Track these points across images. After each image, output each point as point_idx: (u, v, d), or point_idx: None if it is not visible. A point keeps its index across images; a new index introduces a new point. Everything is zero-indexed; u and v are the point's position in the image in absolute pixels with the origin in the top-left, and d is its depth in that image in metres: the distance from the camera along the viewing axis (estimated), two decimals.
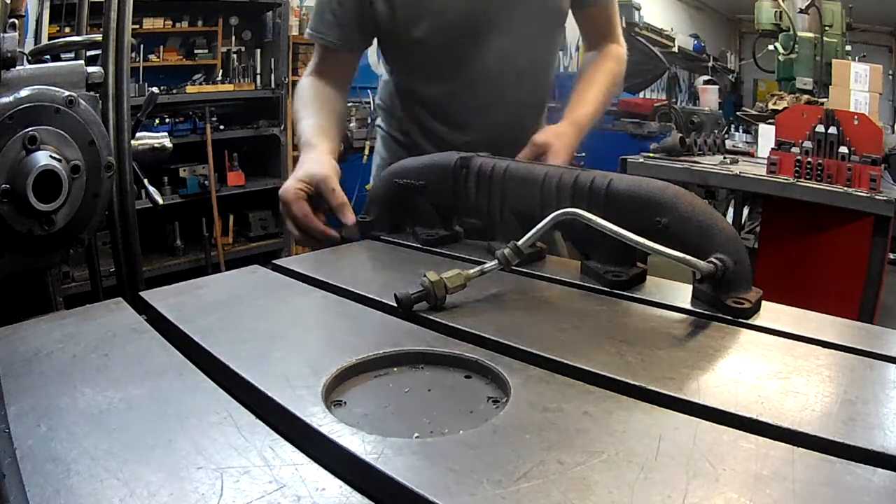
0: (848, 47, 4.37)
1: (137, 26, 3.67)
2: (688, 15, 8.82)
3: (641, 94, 6.36)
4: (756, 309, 0.78)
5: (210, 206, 4.07)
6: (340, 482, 0.46)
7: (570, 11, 1.50)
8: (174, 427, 0.52)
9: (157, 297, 0.81)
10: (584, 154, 4.42)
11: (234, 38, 4.29)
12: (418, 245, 1.09)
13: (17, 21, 1.14)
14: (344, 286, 0.86)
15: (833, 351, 0.67)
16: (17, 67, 0.98)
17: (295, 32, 4.37)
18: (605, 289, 0.87)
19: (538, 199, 0.96)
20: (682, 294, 0.84)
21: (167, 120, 3.88)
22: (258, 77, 4.36)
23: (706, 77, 7.26)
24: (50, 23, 3.28)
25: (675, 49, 7.37)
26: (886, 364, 0.64)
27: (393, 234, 1.15)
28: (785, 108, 3.80)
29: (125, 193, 1.26)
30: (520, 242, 0.82)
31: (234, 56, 4.26)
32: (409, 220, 1.15)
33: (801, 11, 4.22)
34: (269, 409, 0.56)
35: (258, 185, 4.33)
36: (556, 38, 1.55)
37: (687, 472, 0.46)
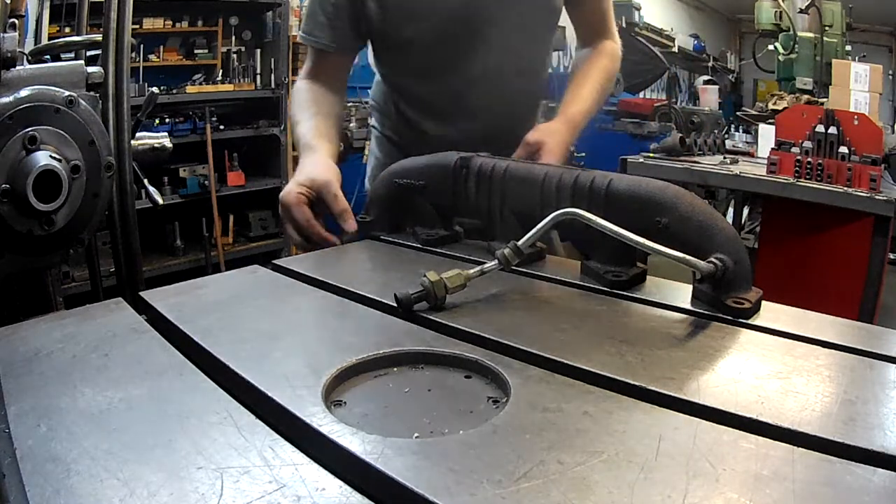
0: (848, 47, 4.36)
1: (137, 26, 3.67)
2: (688, 15, 8.82)
3: (641, 94, 6.36)
4: (756, 309, 0.78)
5: (210, 206, 4.07)
6: (340, 482, 0.46)
7: (563, 8, 1.50)
8: (174, 427, 0.52)
9: (157, 297, 0.81)
10: (584, 154, 4.43)
11: (234, 38, 4.29)
12: (418, 245, 1.09)
13: (17, 21, 1.14)
14: (344, 286, 0.86)
15: (833, 351, 0.67)
16: (17, 67, 0.98)
17: (295, 32, 4.36)
18: (605, 289, 0.87)
19: (538, 199, 0.96)
20: (682, 294, 0.84)
21: (167, 120, 3.88)
22: (258, 77, 4.36)
23: (706, 77, 7.26)
24: (50, 23, 3.28)
25: (675, 49, 7.37)
26: (886, 364, 0.64)
27: (393, 234, 1.15)
28: (785, 108, 3.80)
29: (125, 193, 1.26)
30: (520, 242, 0.82)
31: (234, 56, 4.26)
32: (409, 220, 1.15)
33: (801, 11, 4.22)
34: (269, 409, 0.56)
35: (258, 185, 4.33)
36: (550, 35, 1.54)
37: (687, 472, 0.46)
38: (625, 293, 0.85)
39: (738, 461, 0.47)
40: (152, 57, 3.99)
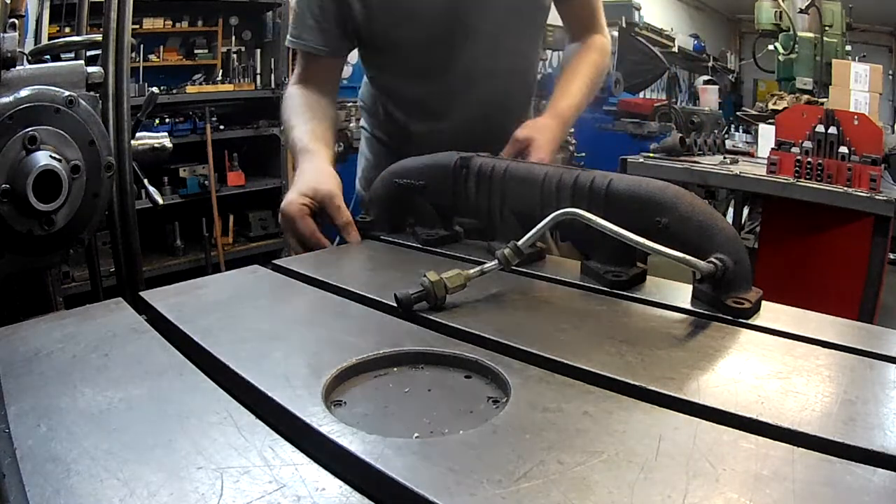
0: (848, 47, 4.37)
1: (137, 26, 3.67)
2: (688, 15, 8.82)
3: (641, 94, 6.36)
4: (756, 309, 0.78)
5: (210, 206, 4.07)
6: (340, 482, 0.46)
7: (552, 5, 1.49)
8: (174, 427, 0.52)
9: (157, 297, 0.81)
10: (584, 154, 4.43)
11: (234, 38, 4.29)
12: (418, 245, 1.09)
13: (17, 21, 1.14)
14: (344, 286, 0.86)
15: (833, 351, 0.67)
16: (17, 67, 0.98)
17: None
18: (605, 289, 0.87)
19: (538, 199, 0.96)
20: (682, 294, 0.84)
21: (167, 120, 3.88)
22: (258, 77, 4.36)
23: (706, 77, 7.26)
24: (50, 23, 3.28)
25: (675, 49, 7.37)
26: (886, 364, 0.64)
27: (393, 234, 1.15)
28: (785, 108, 3.80)
29: (125, 193, 1.26)
30: (520, 242, 0.83)
31: (234, 56, 4.26)
32: (409, 220, 1.15)
33: (801, 11, 4.22)
34: (269, 409, 0.56)
35: (258, 185, 4.33)
36: (538, 32, 1.53)
37: (687, 472, 0.46)
38: (625, 293, 0.85)
39: (738, 461, 0.47)
40: (152, 57, 3.99)
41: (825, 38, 4.14)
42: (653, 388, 0.59)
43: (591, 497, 0.43)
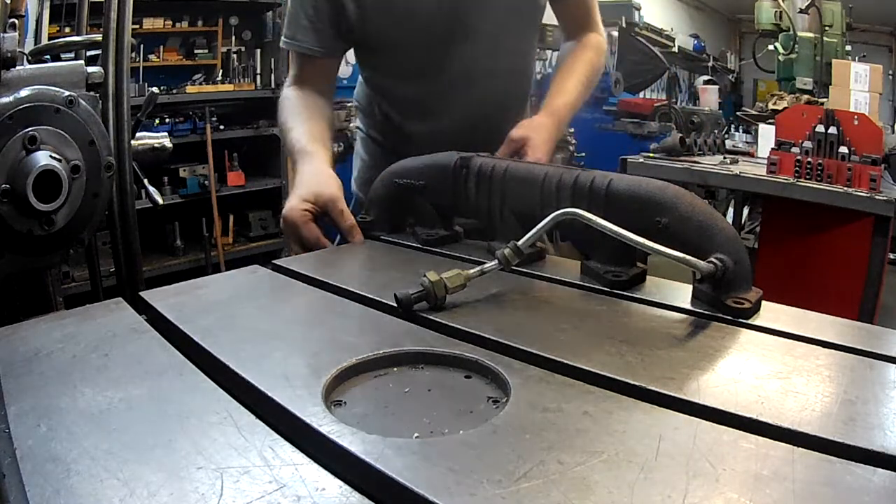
0: (848, 47, 4.37)
1: (137, 26, 3.67)
2: (688, 15, 8.82)
3: (641, 94, 6.36)
4: (756, 309, 0.78)
5: (210, 206, 4.07)
6: (340, 482, 0.46)
7: (547, 3, 1.48)
8: (174, 427, 0.52)
9: (157, 297, 0.81)
10: (584, 154, 4.43)
11: (234, 38, 4.29)
12: (418, 245, 1.09)
13: (17, 21, 1.15)
14: (344, 286, 0.86)
15: (833, 351, 0.67)
16: (17, 67, 0.98)
17: None
18: (605, 289, 0.87)
19: (538, 199, 0.96)
20: (682, 294, 0.84)
21: (167, 120, 3.88)
22: (258, 77, 4.36)
23: (706, 77, 7.26)
24: (50, 23, 3.28)
25: (675, 49, 7.37)
26: (886, 364, 0.64)
27: (393, 234, 1.15)
28: (785, 108, 3.80)
29: (125, 193, 1.26)
30: (520, 242, 0.83)
31: (234, 56, 4.26)
32: (409, 220, 1.15)
33: (801, 11, 4.22)
34: (269, 409, 0.56)
35: (258, 185, 4.33)
36: (534, 32, 1.52)
37: (687, 472, 0.46)
38: (625, 293, 0.85)
39: (738, 461, 0.47)
40: (152, 57, 3.98)
41: (825, 38, 4.14)
42: (653, 388, 0.59)
43: (591, 497, 0.43)
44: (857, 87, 3.50)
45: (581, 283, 0.90)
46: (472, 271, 0.80)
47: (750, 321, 0.75)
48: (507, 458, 0.47)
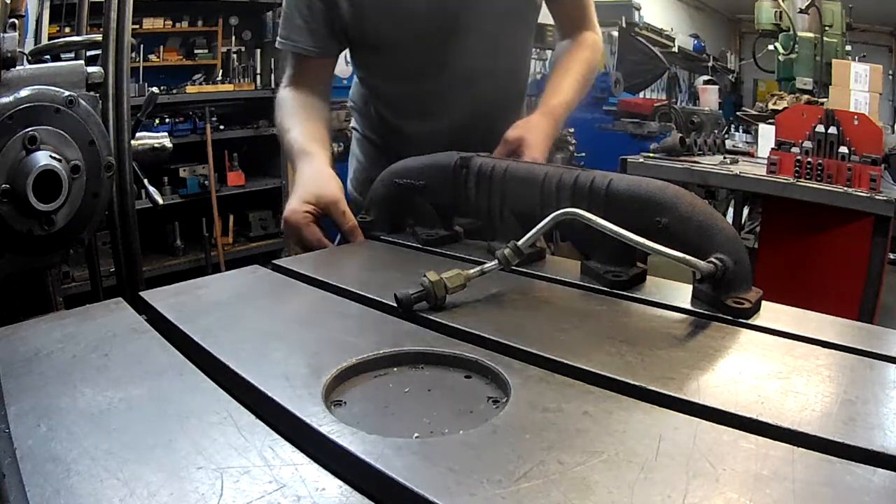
0: (848, 47, 4.37)
1: (137, 26, 3.67)
2: (688, 15, 8.82)
3: (641, 94, 6.36)
4: (756, 309, 0.78)
5: (210, 206, 4.07)
6: (340, 482, 0.46)
7: (543, 2, 1.48)
8: (174, 427, 0.52)
9: (157, 297, 0.81)
10: (584, 154, 4.43)
11: (234, 38, 4.29)
12: (418, 245, 1.09)
13: (17, 21, 1.14)
14: (344, 286, 0.86)
15: (833, 351, 0.67)
16: (17, 67, 0.98)
17: None
18: (605, 289, 0.87)
19: (538, 199, 0.96)
20: (682, 294, 0.84)
21: (167, 120, 3.88)
22: (258, 77, 4.36)
23: (706, 77, 7.27)
24: (50, 23, 3.28)
25: (675, 49, 7.37)
26: (886, 364, 0.64)
27: (393, 234, 1.15)
28: (785, 108, 3.80)
29: (125, 193, 1.26)
30: (520, 242, 0.83)
31: (234, 56, 4.26)
32: (409, 220, 1.15)
33: (801, 11, 4.23)
34: (269, 409, 0.56)
35: (258, 185, 4.33)
36: (530, 31, 1.52)
37: (687, 472, 0.46)
38: (625, 293, 0.85)
39: (738, 461, 0.47)
40: (152, 57, 3.98)
41: (825, 38, 4.14)
42: (653, 388, 0.59)
43: (591, 497, 0.43)
44: (857, 87, 3.50)
45: (581, 283, 0.90)
46: (472, 271, 0.80)
47: (750, 321, 0.75)
48: (507, 458, 0.47)
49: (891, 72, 7.24)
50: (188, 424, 0.53)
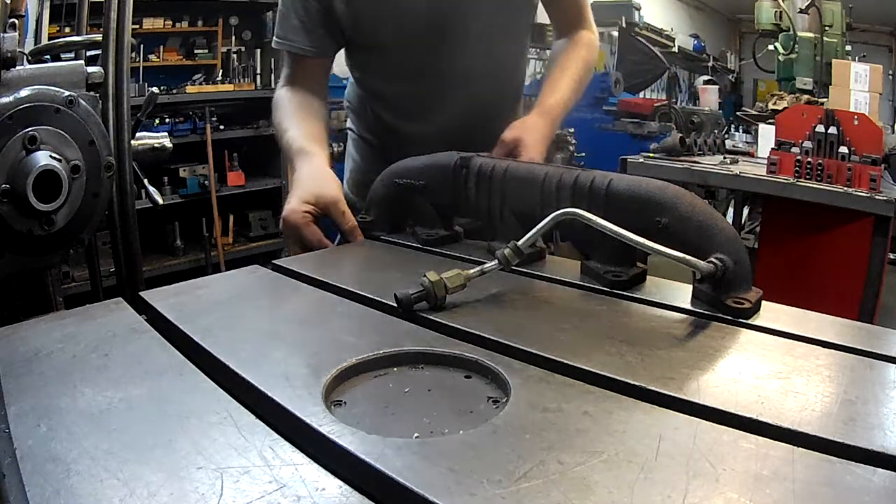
0: (848, 47, 4.37)
1: (137, 26, 3.67)
2: (688, 15, 8.82)
3: (641, 94, 6.36)
4: (756, 309, 0.78)
5: (210, 206, 4.07)
6: (340, 482, 0.46)
7: (539, 1, 1.48)
8: (174, 427, 0.52)
9: (157, 297, 0.81)
10: (584, 154, 4.43)
11: (234, 38, 4.29)
12: (418, 245, 1.09)
13: (17, 21, 1.14)
14: (344, 286, 0.86)
15: (833, 351, 0.67)
16: (17, 67, 0.98)
17: None
18: (605, 289, 0.87)
19: (538, 199, 0.96)
20: (682, 294, 0.84)
21: (167, 120, 3.88)
22: (258, 77, 4.36)
23: (706, 77, 7.27)
24: (50, 23, 3.28)
25: (675, 49, 7.38)
26: (886, 364, 0.64)
27: (393, 234, 1.15)
28: (785, 108, 3.80)
29: (125, 193, 1.26)
30: (520, 242, 0.82)
31: (234, 56, 4.26)
32: (409, 220, 1.15)
33: (801, 11, 4.23)
34: (269, 409, 0.56)
35: (258, 185, 4.33)
36: (526, 31, 1.52)
37: (687, 472, 0.46)
38: (625, 293, 0.85)
39: (738, 461, 0.47)
40: (152, 57, 3.99)
41: (825, 38, 4.14)
42: (653, 388, 0.59)
43: (591, 497, 0.43)
44: (857, 87, 3.50)
45: (581, 283, 0.90)
46: (472, 271, 0.80)
47: (750, 321, 0.75)
48: (507, 458, 0.47)
49: (891, 72, 7.24)
50: (188, 424, 0.53)
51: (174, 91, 3.93)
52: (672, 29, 7.59)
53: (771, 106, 4.24)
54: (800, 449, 0.49)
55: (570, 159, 4.34)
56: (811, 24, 4.21)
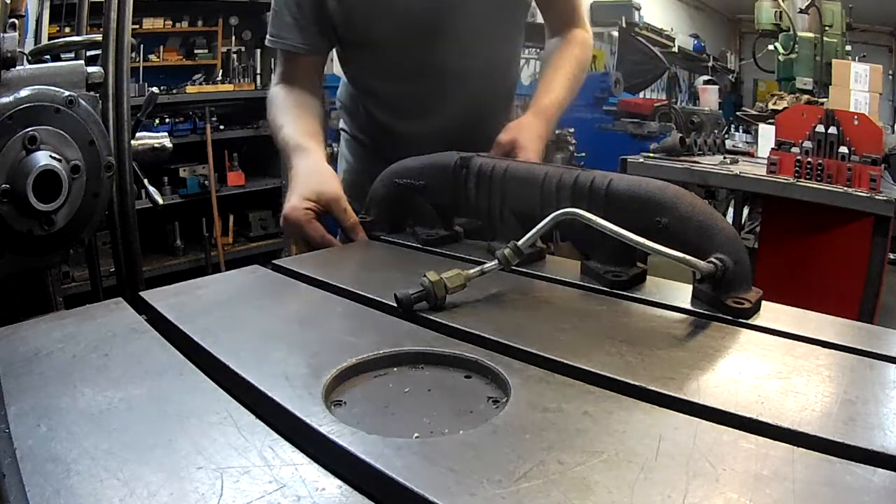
0: (848, 47, 4.36)
1: (137, 26, 3.67)
2: (688, 15, 8.82)
3: (641, 94, 6.36)
4: (756, 309, 0.78)
5: (210, 206, 4.07)
6: (340, 482, 0.46)
7: (532, 1, 1.47)
8: (174, 427, 0.52)
9: (157, 297, 0.81)
10: (584, 154, 4.43)
11: (234, 38, 4.29)
12: (418, 245, 1.09)
13: (17, 21, 1.14)
14: (344, 286, 0.86)
15: (833, 351, 0.67)
16: (17, 67, 0.98)
17: None
18: (605, 289, 0.87)
19: (538, 199, 0.96)
20: (682, 294, 0.84)
21: (167, 120, 3.89)
22: (258, 77, 4.36)
23: (706, 77, 7.27)
24: (50, 23, 3.28)
25: (675, 49, 7.38)
26: (886, 364, 0.64)
27: (393, 234, 1.15)
28: (785, 108, 3.80)
29: (125, 193, 1.26)
30: (520, 242, 0.82)
31: (234, 56, 4.27)
32: (409, 220, 1.15)
33: (801, 11, 4.23)
34: (269, 409, 0.56)
35: (258, 185, 4.33)
36: (519, 30, 1.51)
37: (687, 472, 0.46)
38: (625, 293, 0.85)
39: (738, 461, 0.47)
40: (152, 57, 3.99)
41: (825, 38, 4.14)
42: (653, 388, 0.59)
43: (591, 497, 0.43)
44: (857, 87, 3.50)
45: (581, 283, 0.90)
46: (472, 271, 0.80)
47: (750, 321, 0.75)
48: (507, 458, 0.47)
49: (891, 72, 7.24)
50: (188, 424, 0.53)
51: (174, 91, 3.94)
52: (672, 29, 7.59)
53: (771, 106, 4.24)
54: (800, 449, 0.49)
55: (570, 159, 4.34)
56: (811, 24, 4.21)
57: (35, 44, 2.89)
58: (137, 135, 1.37)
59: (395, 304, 0.77)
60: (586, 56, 1.53)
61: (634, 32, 6.31)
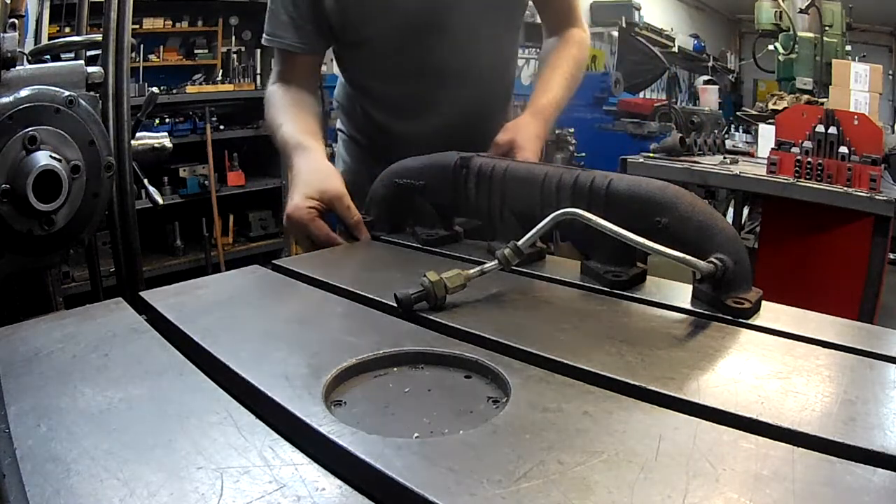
0: (848, 47, 4.37)
1: (137, 26, 3.67)
2: (688, 15, 8.82)
3: (641, 94, 6.36)
4: (756, 309, 0.78)
5: (210, 206, 4.07)
6: (340, 482, 0.46)
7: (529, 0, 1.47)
8: (174, 427, 0.52)
9: (157, 297, 0.81)
10: (584, 154, 4.43)
11: (234, 38, 4.29)
12: (418, 245, 1.09)
13: (17, 21, 1.14)
14: (344, 286, 0.86)
15: (833, 351, 0.67)
16: (17, 67, 0.98)
17: None
18: (605, 289, 0.87)
19: (538, 199, 0.96)
20: (682, 294, 0.84)
21: (167, 120, 3.88)
22: (258, 77, 4.36)
23: (706, 77, 7.27)
24: (50, 23, 3.28)
25: (675, 49, 7.38)
26: (886, 364, 0.64)
27: (393, 234, 1.15)
28: (785, 108, 3.80)
29: (125, 193, 1.26)
30: (520, 242, 0.82)
31: (234, 56, 4.27)
32: (409, 220, 1.15)
33: (801, 11, 4.23)
34: (269, 409, 0.56)
35: (258, 185, 4.33)
36: (516, 29, 1.51)
37: (687, 472, 0.46)
38: (625, 293, 0.85)
39: (738, 461, 0.47)
40: (152, 57, 3.99)
41: (825, 38, 4.14)
42: (653, 388, 0.59)
43: (591, 497, 0.43)
44: (857, 87, 3.50)
45: (581, 283, 0.90)
46: (472, 271, 0.80)
47: (750, 321, 0.75)
48: (507, 458, 0.47)
49: (891, 72, 7.24)
50: (188, 424, 0.53)
51: (174, 91, 3.94)
52: (672, 29, 7.60)
53: (771, 106, 4.24)
54: (800, 449, 0.49)
55: (570, 159, 4.34)
56: (811, 24, 4.21)
57: (35, 44, 2.89)
58: (137, 135, 1.37)
59: (395, 304, 0.77)
60: (584, 55, 1.53)
61: (634, 32, 6.32)
